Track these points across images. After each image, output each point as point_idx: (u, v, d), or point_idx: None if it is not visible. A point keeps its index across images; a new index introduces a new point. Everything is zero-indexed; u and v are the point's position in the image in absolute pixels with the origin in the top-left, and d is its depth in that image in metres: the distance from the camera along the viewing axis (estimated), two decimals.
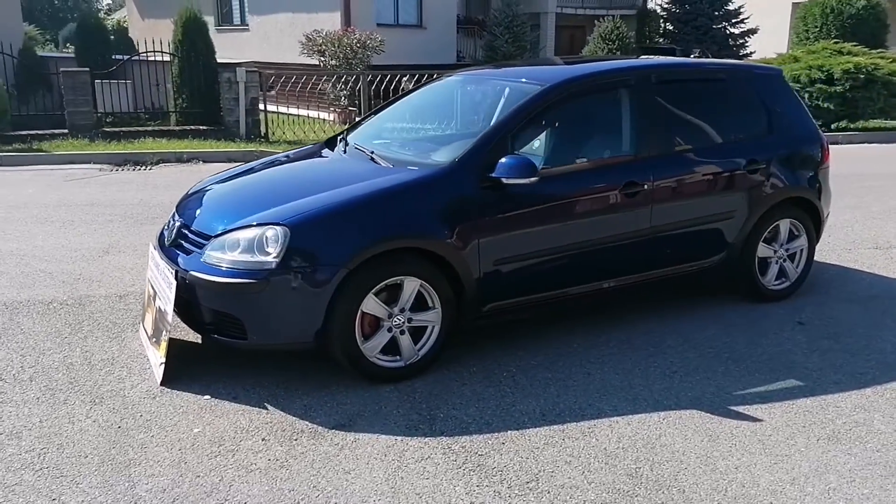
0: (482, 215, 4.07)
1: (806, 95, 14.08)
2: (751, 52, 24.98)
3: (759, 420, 3.66)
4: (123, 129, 13.39)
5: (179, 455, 3.29)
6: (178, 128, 13.70)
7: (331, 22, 19.59)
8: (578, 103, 4.53)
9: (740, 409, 3.77)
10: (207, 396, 3.82)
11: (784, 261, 5.25)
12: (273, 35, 22.00)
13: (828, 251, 6.54)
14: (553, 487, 3.11)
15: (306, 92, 14.57)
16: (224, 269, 3.77)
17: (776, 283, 5.26)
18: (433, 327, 4.06)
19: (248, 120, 13.74)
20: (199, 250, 3.96)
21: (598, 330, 4.71)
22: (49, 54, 20.52)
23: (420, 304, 4.01)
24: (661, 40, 27.82)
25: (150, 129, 13.56)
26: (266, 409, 3.72)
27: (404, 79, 14.30)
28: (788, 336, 4.69)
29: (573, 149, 4.56)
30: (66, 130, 12.76)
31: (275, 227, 3.77)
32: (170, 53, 13.89)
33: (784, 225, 5.18)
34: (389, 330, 3.94)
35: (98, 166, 10.78)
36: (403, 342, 3.99)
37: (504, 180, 4.03)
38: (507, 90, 4.64)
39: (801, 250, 5.31)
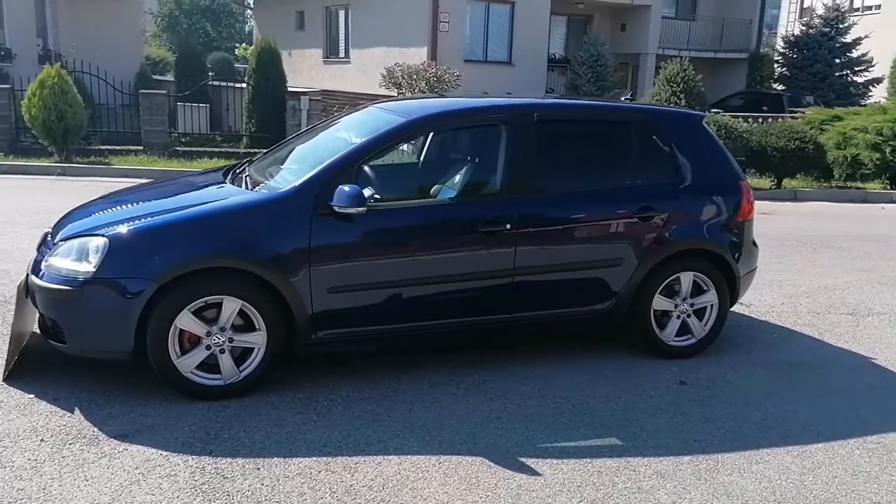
0: (316, 242, 4.09)
1: (888, 150, 13.10)
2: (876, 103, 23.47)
3: (539, 475, 3.46)
4: (194, 148, 14.27)
5: None
6: (244, 150, 14.43)
7: (419, 57, 20.10)
8: (442, 139, 4.49)
9: (530, 461, 3.57)
10: (32, 395, 4.02)
11: (688, 316, 4.92)
12: (371, 68, 22.76)
13: (789, 313, 6.07)
14: None
15: None
16: (52, 275, 3.98)
17: (679, 339, 4.94)
18: (258, 349, 4.10)
19: None
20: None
21: (462, 369, 4.59)
22: (162, 78, 22.16)
23: (248, 325, 4.08)
24: (774, 85, 26.72)
25: (218, 150, 14.37)
26: (73, 413, 3.87)
27: None
28: (655, 395, 4.40)
29: (428, 182, 4.50)
30: (141, 147, 13.77)
31: (98, 238, 3.95)
32: (244, 81, 14.73)
33: (686, 278, 4.86)
34: (208, 348, 4.01)
35: (147, 181, 11.49)
36: (224, 361, 4.05)
37: (337, 209, 4.05)
38: (378, 122, 4.65)
39: (711, 306, 4.95)
